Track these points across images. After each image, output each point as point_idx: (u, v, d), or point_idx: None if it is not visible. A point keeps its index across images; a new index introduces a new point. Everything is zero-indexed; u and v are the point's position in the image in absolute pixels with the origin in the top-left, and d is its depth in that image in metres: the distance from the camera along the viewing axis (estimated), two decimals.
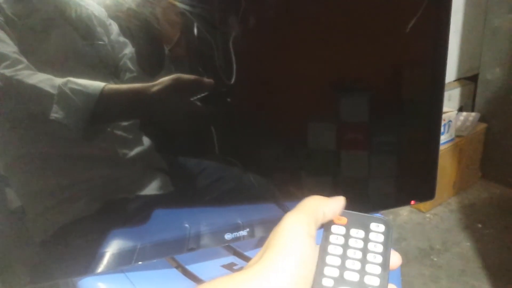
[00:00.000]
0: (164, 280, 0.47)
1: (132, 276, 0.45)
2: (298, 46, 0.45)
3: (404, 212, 1.44)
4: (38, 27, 0.36)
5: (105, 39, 0.38)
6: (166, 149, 0.44)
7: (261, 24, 0.43)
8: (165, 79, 0.40)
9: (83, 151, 0.41)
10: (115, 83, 0.39)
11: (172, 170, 0.44)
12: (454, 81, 1.59)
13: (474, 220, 1.38)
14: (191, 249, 0.45)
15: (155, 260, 0.44)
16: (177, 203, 0.46)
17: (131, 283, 0.44)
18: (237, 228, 0.47)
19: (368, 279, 0.26)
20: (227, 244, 0.49)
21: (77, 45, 0.38)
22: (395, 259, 0.28)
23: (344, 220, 0.29)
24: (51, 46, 0.37)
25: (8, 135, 0.37)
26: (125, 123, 0.41)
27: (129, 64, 0.39)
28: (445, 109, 1.36)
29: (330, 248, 0.27)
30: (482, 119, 1.53)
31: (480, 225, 1.35)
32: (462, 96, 1.60)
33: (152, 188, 0.44)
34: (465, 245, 1.28)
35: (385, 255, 0.27)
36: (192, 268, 0.48)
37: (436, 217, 1.41)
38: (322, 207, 0.28)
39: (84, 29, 0.37)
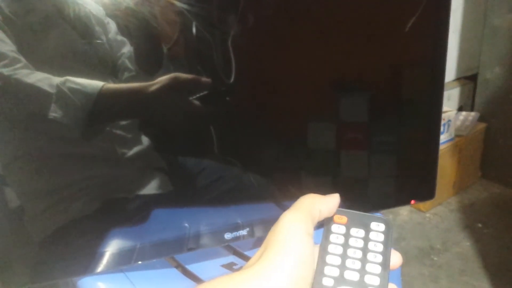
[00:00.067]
0: (164, 279, 0.47)
1: (132, 276, 0.45)
2: (298, 45, 0.45)
3: (404, 212, 1.44)
4: (36, 26, 0.36)
5: (103, 38, 0.38)
6: (165, 149, 0.44)
7: (260, 23, 0.43)
8: (163, 78, 0.39)
9: (82, 150, 0.41)
10: (114, 82, 0.39)
11: (172, 169, 0.44)
12: (453, 80, 1.59)
13: (474, 219, 1.38)
14: (191, 249, 0.45)
15: (154, 260, 0.44)
16: (176, 203, 0.46)
17: (131, 283, 0.44)
18: (237, 227, 0.47)
19: (368, 279, 0.26)
20: (227, 244, 0.49)
21: (75, 44, 0.37)
22: (396, 258, 0.28)
23: (345, 219, 0.29)
24: (49, 45, 0.37)
25: (7, 135, 0.37)
26: (124, 122, 0.41)
27: (128, 63, 0.39)
28: (444, 108, 1.36)
29: (331, 248, 0.27)
30: (481, 119, 1.53)
31: (480, 225, 1.35)
32: (462, 95, 1.60)
33: (151, 188, 0.44)
34: (465, 244, 1.28)
35: (385, 255, 0.27)
36: (192, 267, 0.48)
37: (436, 216, 1.41)
38: (318, 205, 0.28)
39: (82, 28, 0.37)
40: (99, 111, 0.39)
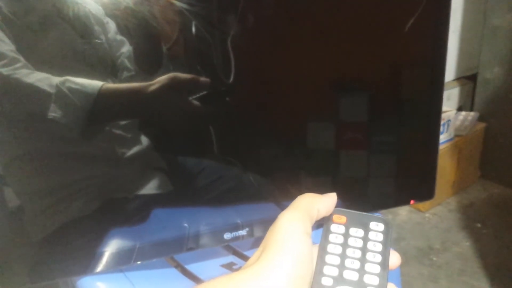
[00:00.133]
0: (163, 279, 0.47)
1: (131, 276, 0.45)
2: (298, 45, 0.45)
3: (403, 212, 1.44)
4: (36, 25, 0.36)
5: (103, 37, 0.38)
6: (165, 148, 0.44)
7: (260, 23, 0.43)
8: (162, 78, 0.39)
9: (82, 150, 0.41)
10: (113, 81, 0.39)
11: (171, 169, 0.44)
12: (453, 80, 1.59)
13: (473, 219, 1.38)
14: (190, 249, 0.45)
15: (154, 260, 0.44)
16: (176, 203, 0.46)
17: (130, 283, 0.44)
18: (237, 227, 0.47)
19: (367, 278, 0.26)
20: (226, 244, 0.49)
21: (75, 44, 0.37)
22: (395, 259, 0.28)
23: (344, 219, 0.29)
24: (49, 45, 0.37)
25: (6, 134, 0.37)
26: (123, 122, 0.41)
27: (127, 63, 0.39)
28: (444, 108, 1.36)
29: (330, 247, 0.27)
30: (481, 119, 1.53)
31: (479, 225, 1.35)
32: (461, 95, 1.60)
33: (151, 188, 0.44)
34: (464, 244, 1.28)
35: (385, 254, 0.27)
36: (191, 267, 0.48)
37: (435, 216, 1.41)
38: (316, 204, 0.28)
39: (81, 28, 0.37)
40: (99, 111, 0.39)
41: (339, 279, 0.26)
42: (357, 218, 0.29)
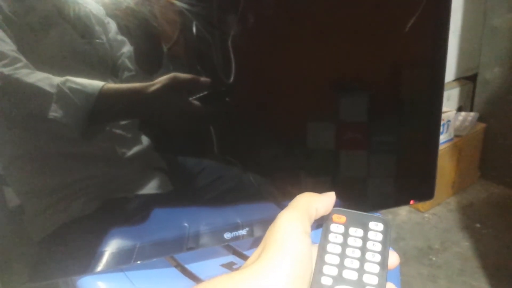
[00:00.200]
0: (164, 279, 0.47)
1: (132, 275, 0.45)
2: (298, 45, 0.45)
3: (403, 212, 1.44)
4: (36, 25, 0.36)
5: (103, 37, 0.38)
6: (165, 148, 0.44)
7: (260, 23, 0.43)
8: (162, 78, 0.39)
9: (82, 150, 0.41)
10: (114, 81, 0.39)
11: (171, 169, 0.44)
12: (453, 80, 1.59)
13: (473, 220, 1.38)
14: (190, 248, 0.45)
15: (154, 259, 0.44)
16: (176, 202, 0.46)
17: (131, 282, 0.44)
18: (237, 227, 0.47)
19: (366, 278, 0.26)
20: (226, 244, 0.49)
21: (76, 44, 0.38)
22: (393, 258, 0.28)
23: (343, 219, 0.29)
24: (50, 45, 0.37)
25: (7, 134, 0.37)
26: (124, 122, 0.41)
27: (128, 63, 0.39)
28: (444, 108, 1.36)
29: (329, 247, 0.27)
30: (481, 119, 1.53)
31: (478, 225, 1.35)
32: (461, 95, 1.60)
33: (151, 187, 0.44)
34: (463, 244, 1.28)
35: (384, 254, 0.27)
36: (191, 267, 0.48)
37: (435, 216, 1.41)
38: (314, 203, 0.28)
39: (82, 28, 0.37)
40: (99, 111, 0.39)
41: (338, 279, 0.26)
42: (357, 218, 0.29)
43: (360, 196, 0.54)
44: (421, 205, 1.43)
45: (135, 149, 0.42)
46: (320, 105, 0.49)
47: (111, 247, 0.42)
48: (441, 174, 1.35)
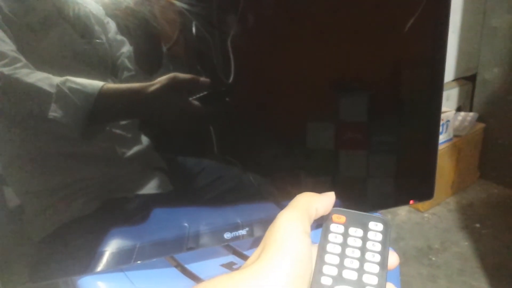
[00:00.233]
0: (164, 279, 0.47)
1: (132, 275, 0.45)
2: (297, 45, 0.45)
3: (402, 212, 1.44)
4: (36, 25, 0.36)
5: (103, 37, 0.38)
6: (165, 148, 0.44)
7: (259, 23, 0.43)
8: (162, 79, 0.40)
9: (82, 150, 0.41)
10: (113, 81, 0.39)
11: (171, 169, 0.44)
12: (452, 81, 1.59)
13: (472, 219, 1.38)
14: (191, 248, 0.45)
15: (154, 259, 0.44)
16: (176, 202, 0.46)
17: (131, 282, 0.44)
18: (237, 227, 0.47)
19: (366, 278, 0.26)
20: (226, 243, 0.49)
21: (75, 44, 0.38)
22: (393, 259, 0.28)
23: (343, 219, 0.29)
24: (49, 45, 0.37)
25: (7, 134, 0.37)
26: (123, 122, 0.41)
27: (127, 63, 0.39)
28: (443, 109, 1.36)
29: (329, 247, 0.28)
30: (480, 119, 1.53)
31: (478, 225, 1.36)
32: (460, 96, 1.60)
33: (151, 187, 0.44)
34: (463, 244, 1.28)
35: (383, 254, 0.27)
36: (191, 267, 0.48)
37: (435, 216, 1.41)
38: (314, 203, 0.28)
39: (82, 28, 0.37)
40: (99, 111, 0.39)
41: (338, 279, 0.26)
42: (357, 218, 0.29)
43: (360, 196, 0.54)
44: (421, 205, 1.43)
45: (135, 149, 0.42)
46: (320, 105, 0.49)
47: (111, 247, 0.42)
48: (440, 174, 1.35)
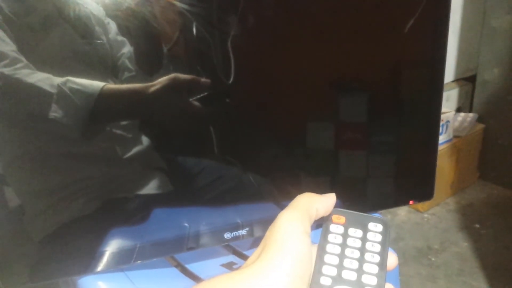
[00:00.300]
0: (164, 279, 0.47)
1: (132, 275, 0.45)
2: (297, 45, 0.46)
3: (402, 212, 1.44)
4: (37, 26, 0.36)
5: (104, 38, 0.38)
6: (165, 149, 0.44)
7: (260, 23, 0.43)
8: (162, 79, 0.40)
9: (82, 150, 0.41)
10: (114, 82, 0.39)
11: (171, 169, 0.45)
12: (452, 81, 1.59)
13: (472, 220, 1.38)
14: (191, 248, 0.45)
15: (154, 259, 0.44)
16: (176, 202, 0.46)
17: (131, 282, 0.44)
18: (237, 227, 0.47)
19: (365, 278, 0.26)
20: (226, 243, 0.49)
21: (76, 44, 0.38)
22: (392, 260, 0.28)
23: (343, 219, 0.29)
24: (50, 45, 0.37)
25: (7, 134, 0.37)
26: (124, 123, 0.41)
27: (128, 63, 0.39)
28: (443, 109, 1.36)
29: (329, 247, 0.28)
30: (480, 120, 1.53)
31: (478, 225, 1.36)
32: (460, 96, 1.61)
33: (151, 187, 0.44)
34: (463, 245, 1.28)
35: (383, 255, 0.27)
36: (191, 267, 0.48)
37: (434, 217, 1.41)
38: (315, 203, 0.28)
39: (82, 28, 0.37)
40: (100, 112, 0.39)
41: (337, 279, 0.26)
42: (356, 219, 0.29)
43: (359, 196, 0.54)
44: (421, 205, 1.44)
45: (135, 149, 0.42)
46: (319, 105, 0.49)
47: (111, 247, 0.42)
48: (440, 175, 1.35)
